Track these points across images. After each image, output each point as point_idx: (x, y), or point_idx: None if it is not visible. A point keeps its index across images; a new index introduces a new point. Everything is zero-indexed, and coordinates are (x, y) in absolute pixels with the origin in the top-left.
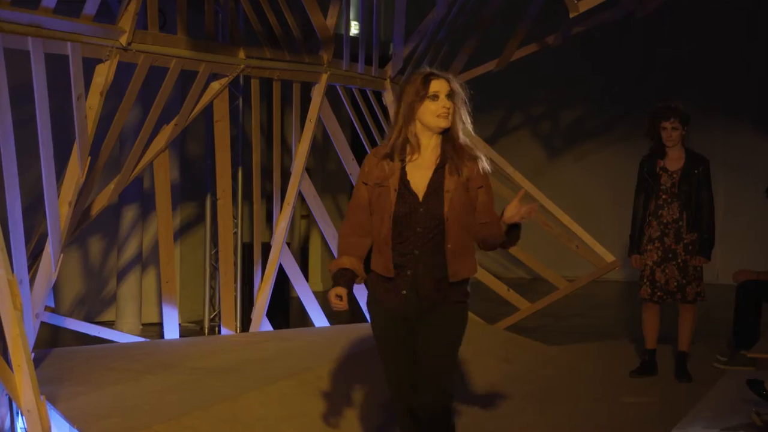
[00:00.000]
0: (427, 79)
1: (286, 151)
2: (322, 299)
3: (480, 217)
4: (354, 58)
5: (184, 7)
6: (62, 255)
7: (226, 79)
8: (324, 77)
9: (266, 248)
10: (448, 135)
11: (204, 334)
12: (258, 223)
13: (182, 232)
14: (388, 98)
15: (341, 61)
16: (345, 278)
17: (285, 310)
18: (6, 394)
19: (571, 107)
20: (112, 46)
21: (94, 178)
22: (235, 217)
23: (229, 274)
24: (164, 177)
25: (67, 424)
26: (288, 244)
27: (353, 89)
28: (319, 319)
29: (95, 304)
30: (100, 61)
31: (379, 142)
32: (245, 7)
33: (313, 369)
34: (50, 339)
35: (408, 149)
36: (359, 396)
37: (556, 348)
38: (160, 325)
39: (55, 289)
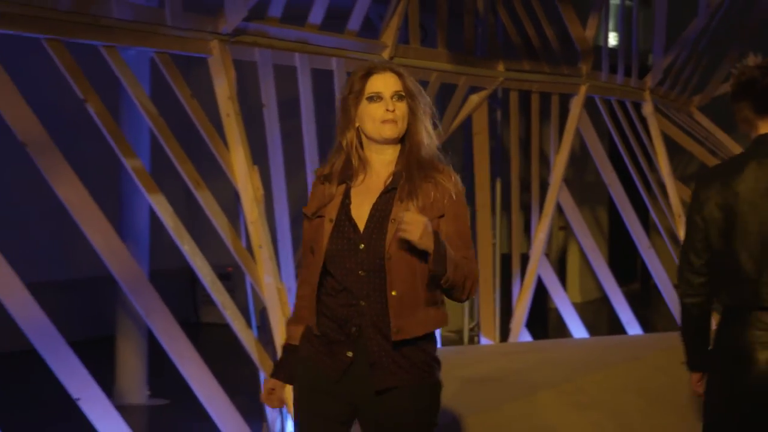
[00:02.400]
0: (367, 73)
1: (544, 163)
2: (581, 310)
3: None
4: (613, 70)
5: (444, 22)
6: None
7: (485, 92)
8: (583, 89)
9: (524, 259)
10: (404, 147)
11: (464, 343)
12: (516, 234)
13: None
14: (647, 109)
15: (600, 72)
16: (289, 363)
17: (543, 321)
18: None
19: None
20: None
21: None
22: (493, 228)
23: (488, 284)
24: None
25: None
26: (546, 255)
27: (612, 100)
28: (577, 330)
29: None
30: None
31: (638, 154)
32: (504, 19)
33: (573, 380)
34: None
35: (351, 168)
36: (620, 407)
37: None
38: None
39: None
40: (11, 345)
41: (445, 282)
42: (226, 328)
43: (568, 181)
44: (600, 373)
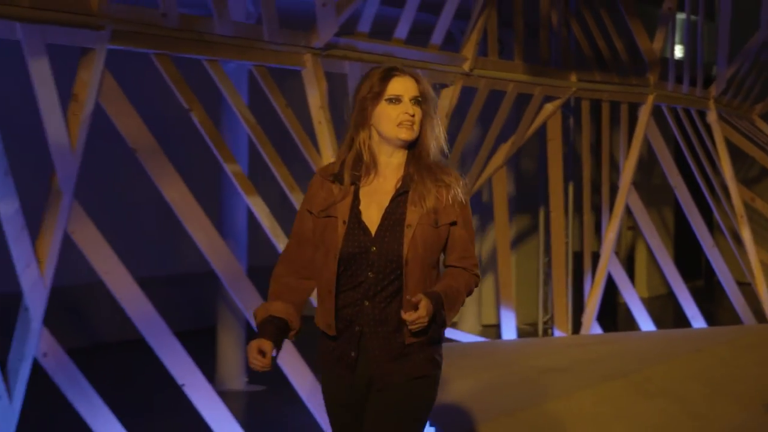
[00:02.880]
0: (387, 75)
1: (614, 167)
2: (648, 305)
3: (452, 260)
4: (679, 80)
5: (520, 35)
6: None
7: (559, 101)
8: (650, 98)
9: (595, 257)
10: (414, 152)
11: (538, 335)
12: (588, 234)
13: (517, 241)
14: (711, 117)
15: (667, 82)
16: (272, 329)
17: (613, 315)
18: None
19: None
20: (456, 72)
21: None
22: (566, 228)
23: (561, 280)
24: (502, 191)
25: None
26: (615, 254)
27: (678, 109)
28: (645, 323)
29: None
30: (445, 85)
31: (702, 159)
32: (576, 33)
33: (641, 370)
34: None
35: (362, 167)
36: (686, 395)
37: None
38: (498, 326)
39: None
40: (122, 335)
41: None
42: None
43: (636, 184)
44: (666, 363)
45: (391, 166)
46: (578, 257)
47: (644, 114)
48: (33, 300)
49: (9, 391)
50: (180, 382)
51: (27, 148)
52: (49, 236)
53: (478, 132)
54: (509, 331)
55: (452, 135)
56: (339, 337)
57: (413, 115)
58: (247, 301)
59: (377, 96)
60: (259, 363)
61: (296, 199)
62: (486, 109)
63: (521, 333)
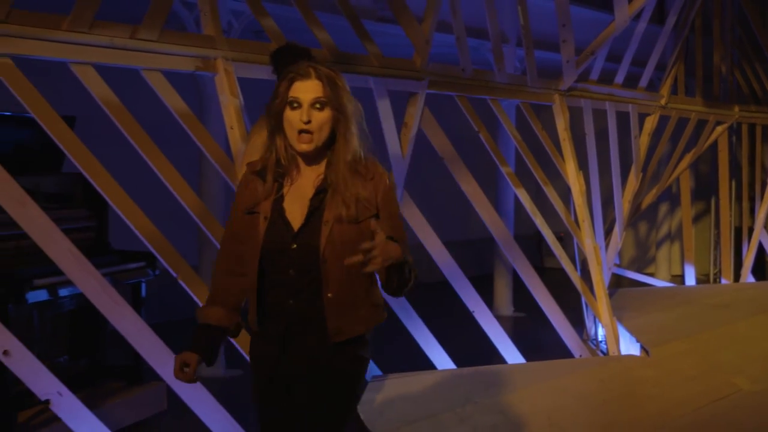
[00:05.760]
0: (291, 78)
1: (764, 170)
2: None
3: None
4: None
5: (699, 80)
6: (624, 233)
7: (726, 125)
8: None
9: (750, 231)
10: (333, 149)
11: (709, 282)
12: (745, 215)
13: (695, 219)
14: None
15: None
16: (203, 342)
17: (762, 270)
18: (592, 315)
19: None
20: (656, 106)
21: (643, 185)
22: (730, 210)
23: (726, 245)
24: (686, 185)
25: (628, 335)
26: (765, 228)
27: None
28: None
29: (642, 262)
30: (648, 114)
31: None
32: (738, 78)
33: None
34: (616, 282)
35: (284, 166)
36: None
37: None
38: (682, 276)
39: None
40: (432, 277)
41: (406, 270)
42: (561, 271)
43: None
44: None
45: (312, 164)
46: (738, 230)
47: None
48: None
49: None
50: (471, 309)
51: None
52: None
53: (669, 147)
54: (690, 279)
55: (651, 150)
56: (265, 334)
57: (310, 122)
58: (514, 257)
59: (282, 101)
60: (183, 377)
61: (548, 190)
62: (676, 130)
63: (698, 281)
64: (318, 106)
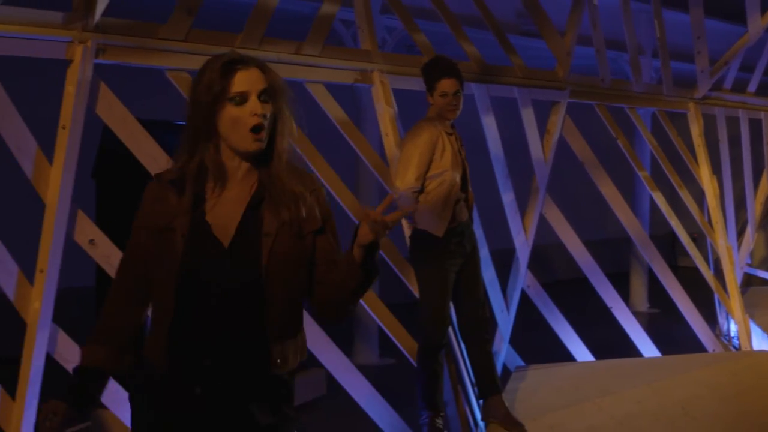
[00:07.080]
0: (229, 69)
1: None
2: None
3: (322, 273)
4: None
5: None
6: (756, 234)
7: None
8: None
9: None
10: (267, 153)
11: None
12: None
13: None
14: None
15: None
16: (78, 387)
17: None
18: (725, 311)
19: None
20: None
21: None
22: None
23: None
24: None
25: (760, 331)
26: None
27: None
28: None
29: None
30: None
31: None
32: None
33: None
34: (747, 281)
35: (209, 176)
36: None
37: None
38: None
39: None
40: (571, 275)
41: (374, 274)
42: (693, 269)
43: None
44: None
45: (242, 170)
46: None
47: None
48: (521, 254)
49: (507, 307)
50: (609, 305)
51: (512, 166)
52: (531, 215)
53: None
54: None
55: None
56: (176, 372)
57: (264, 115)
58: (650, 255)
59: (219, 96)
60: (48, 424)
61: (682, 194)
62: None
63: None
64: (263, 98)
